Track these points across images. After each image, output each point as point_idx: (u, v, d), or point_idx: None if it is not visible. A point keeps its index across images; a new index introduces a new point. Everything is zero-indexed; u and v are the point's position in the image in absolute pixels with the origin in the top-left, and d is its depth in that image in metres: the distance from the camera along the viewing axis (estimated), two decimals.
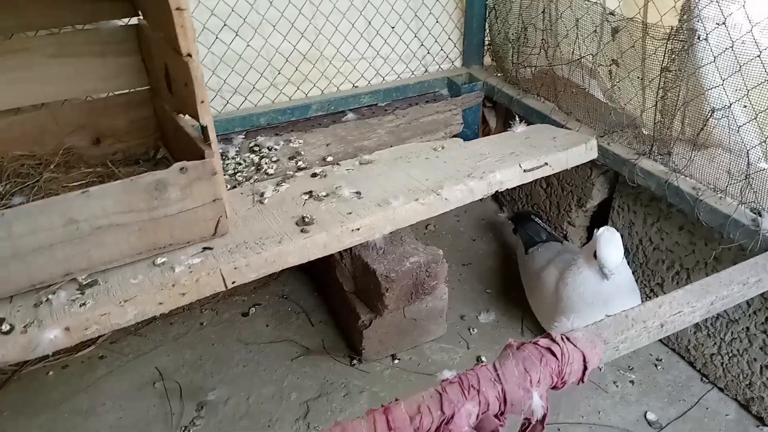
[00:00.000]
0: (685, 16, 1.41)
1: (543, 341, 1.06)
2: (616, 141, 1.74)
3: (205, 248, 1.36)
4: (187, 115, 1.49)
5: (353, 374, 1.73)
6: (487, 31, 2.24)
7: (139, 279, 1.27)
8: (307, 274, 2.09)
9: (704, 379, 1.70)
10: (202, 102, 1.27)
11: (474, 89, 2.22)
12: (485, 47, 2.30)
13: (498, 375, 1.01)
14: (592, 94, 1.79)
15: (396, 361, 1.77)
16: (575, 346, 1.04)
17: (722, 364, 1.63)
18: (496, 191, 1.59)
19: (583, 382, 1.07)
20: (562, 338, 1.05)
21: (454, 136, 2.07)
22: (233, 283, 1.32)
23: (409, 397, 0.98)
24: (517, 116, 1.91)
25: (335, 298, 1.84)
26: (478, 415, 0.98)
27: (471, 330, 1.88)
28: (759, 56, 1.27)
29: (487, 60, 2.34)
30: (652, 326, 1.10)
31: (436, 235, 2.32)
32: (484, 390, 0.98)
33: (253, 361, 1.78)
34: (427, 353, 1.80)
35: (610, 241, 1.54)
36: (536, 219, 2.02)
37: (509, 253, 2.21)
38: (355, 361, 1.76)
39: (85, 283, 1.26)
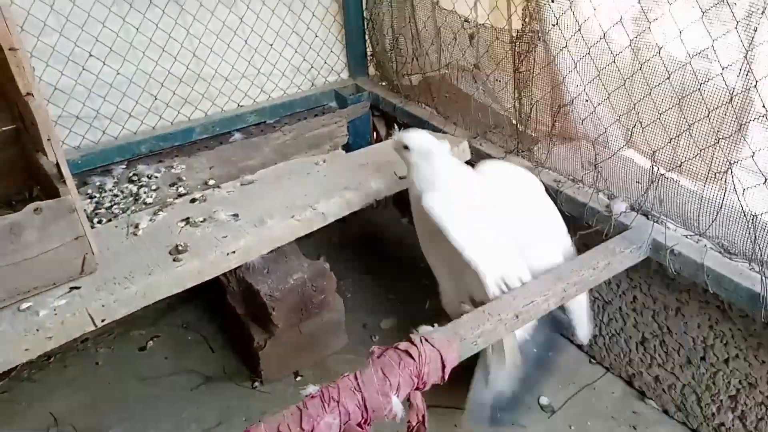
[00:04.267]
0: (527, 20, 1.49)
1: (402, 345, 1.09)
2: (488, 141, 1.82)
3: (72, 288, 1.33)
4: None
5: (255, 397, 1.72)
6: (368, 41, 2.29)
7: (3, 327, 1.23)
8: (206, 301, 2.06)
9: (592, 360, 1.79)
10: (48, 139, 1.24)
11: (360, 100, 2.26)
12: (369, 57, 2.35)
13: (358, 383, 1.03)
14: (464, 95, 1.86)
15: (299, 379, 1.78)
16: (432, 346, 1.08)
17: (605, 344, 1.72)
18: (374, 201, 1.63)
19: (444, 381, 1.11)
20: (420, 340, 1.09)
21: (342, 147, 2.10)
22: (103, 321, 1.29)
23: (271, 416, 0.99)
24: (396, 125, 1.96)
25: (231, 322, 1.83)
26: (340, 426, 1.00)
27: (373, 337, 1.91)
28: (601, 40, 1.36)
29: (373, 70, 2.39)
30: (507, 318, 1.15)
31: (339, 246, 2.34)
32: (345, 400, 1.01)
33: (152, 396, 1.74)
34: (330, 366, 1.82)
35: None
36: None
37: (411, 258, 2.26)
38: (256, 384, 1.75)
39: None
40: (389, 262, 2.25)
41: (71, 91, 1.82)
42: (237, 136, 2.12)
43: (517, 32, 1.52)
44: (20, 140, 1.67)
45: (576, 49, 1.40)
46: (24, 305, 1.28)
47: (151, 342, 1.92)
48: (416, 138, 1.45)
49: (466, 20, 1.68)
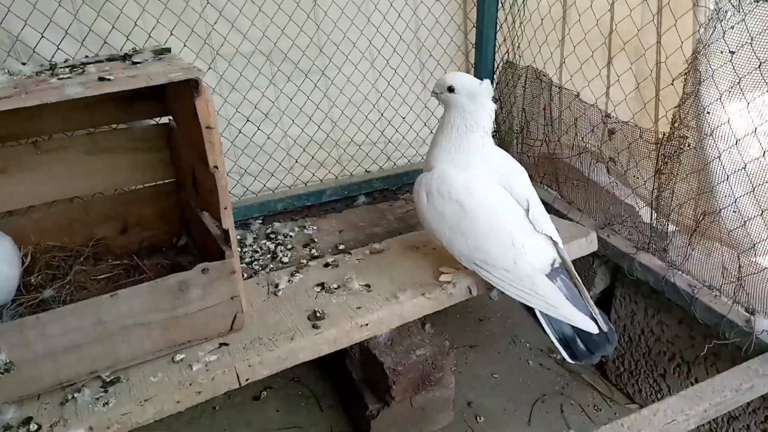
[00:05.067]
0: (676, 124, 1.50)
1: None
2: (616, 233, 1.81)
3: (221, 344, 1.43)
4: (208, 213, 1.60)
5: None
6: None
7: (159, 377, 1.34)
8: (319, 357, 2.14)
9: None
10: (225, 208, 1.37)
11: None
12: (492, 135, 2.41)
13: None
14: (594, 184, 1.87)
15: None
16: None
17: None
18: None
19: None
20: None
21: None
22: (246, 380, 1.38)
23: None
24: None
25: (344, 384, 1.89)
26: None
27: (478, 418, 1.90)
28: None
29: None
30: None
31: (443, 314, 2.36)
32: None
33: None
34: None
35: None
36: None
37: (518, 335, 2.25)
38: None
39: (108, 380, 1.33)
40: (495, 338, 2.25)
41: (227, 150, 2.01)
42: (362, 199, 2.23)
43: (664, 135, 1.53)
44: (176, 192, 1.86)
45: (730, 160, 1.39)
46: (178, 356, 1.40)
47: (264, 392, 2.01)
48: (464, 77, 1.48)
49: (607, 115, 1.70)
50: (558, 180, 2.00)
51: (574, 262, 1.87)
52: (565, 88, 1.85)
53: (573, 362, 1.41)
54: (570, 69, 1.90)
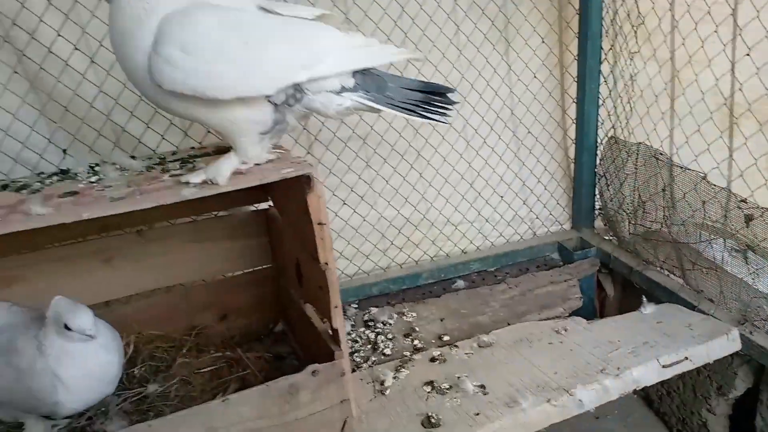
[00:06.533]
0: None
1: None
2: (759, 329, 1.60)
3: None
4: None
5: None
6: (598, 196, 2.23)
7: None
8: None
9: None
10: (336, 307, 1.29)
11: (587, 256, 2.17)
12: (596, 211, 2.27)
13: None
14: (727, 272, 1.68)
15: None
16: None
17: None
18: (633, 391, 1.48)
19: None
20: None
21: (573, 311, 1.99)
22: None
23: None
24: (643, 295, 1.81)
25: None
26: None
27: None
28: None
29: (598, 222, 2.30)
30: None
31: None
32: None
33: None
34: None
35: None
36: None
37: None
38: None
39: None
40: None
41: None
42: (460, 283, 2.12)
43: None
44: (274, 279, 1.80)
45: None
46: None
47: None
48: None
49: (743, 200, 1.54)
50: (683, 267, 1.81)
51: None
52: (689, 169, 1.70)
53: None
54: (689, 148, 1.76)
